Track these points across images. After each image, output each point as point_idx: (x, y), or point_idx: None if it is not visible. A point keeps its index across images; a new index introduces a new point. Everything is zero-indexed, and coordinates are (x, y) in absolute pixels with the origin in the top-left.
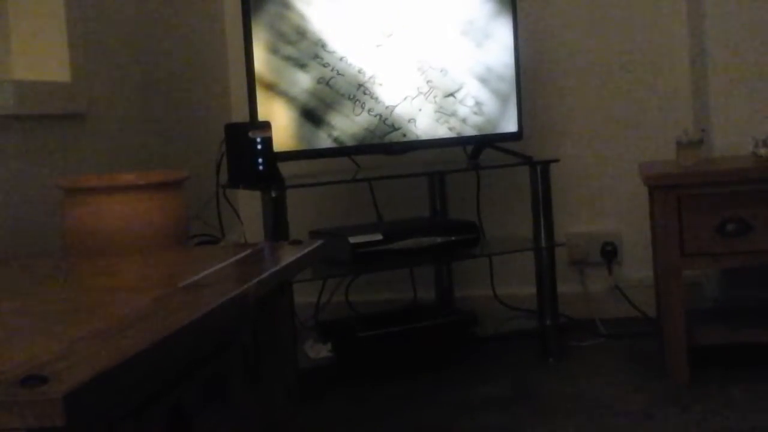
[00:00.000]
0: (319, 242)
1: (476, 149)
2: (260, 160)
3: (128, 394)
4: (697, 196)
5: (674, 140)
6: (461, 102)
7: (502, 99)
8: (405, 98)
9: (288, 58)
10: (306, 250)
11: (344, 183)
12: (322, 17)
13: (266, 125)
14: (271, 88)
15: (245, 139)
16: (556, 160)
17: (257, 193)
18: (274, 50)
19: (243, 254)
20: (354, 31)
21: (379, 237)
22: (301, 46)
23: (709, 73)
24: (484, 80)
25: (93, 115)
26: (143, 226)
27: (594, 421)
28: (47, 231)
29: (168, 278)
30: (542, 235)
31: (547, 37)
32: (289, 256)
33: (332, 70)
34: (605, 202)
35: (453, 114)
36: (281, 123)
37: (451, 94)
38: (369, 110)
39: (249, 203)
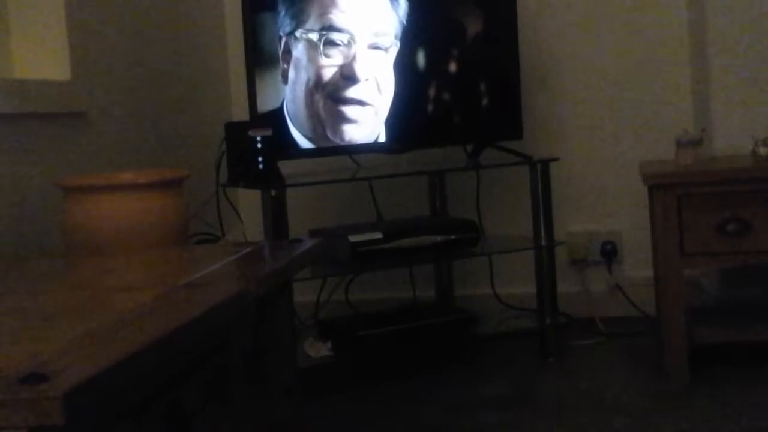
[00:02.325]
0: (318, 241)
1: (476, 148)
2: (260, 159)
3: (128, 393)
4: (697, 196)
5: (674, 140)
6: (461, 101)
7: (502, 98)
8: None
9: None
10: (306, 249)
11: (344, 182)
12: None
13: (266, 124)
14: None
15: (245, 137)
16: (556, 159)
17: (257, 192)
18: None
19: (243, 253)
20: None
21: (379, 236)
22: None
23: (709, 72)
24: (484, 79)
25: (93, 113)
26: (143, 225)
27: (594, 420)
28: (47, 230)
29: (168, 277)
30: (542, 234)
31: (547, 37)
32: (288, 254)
33: None
34: (605, 202)
35: (453, 113)
36: None
37: (451, 93)
38: None
39: (249, 202)
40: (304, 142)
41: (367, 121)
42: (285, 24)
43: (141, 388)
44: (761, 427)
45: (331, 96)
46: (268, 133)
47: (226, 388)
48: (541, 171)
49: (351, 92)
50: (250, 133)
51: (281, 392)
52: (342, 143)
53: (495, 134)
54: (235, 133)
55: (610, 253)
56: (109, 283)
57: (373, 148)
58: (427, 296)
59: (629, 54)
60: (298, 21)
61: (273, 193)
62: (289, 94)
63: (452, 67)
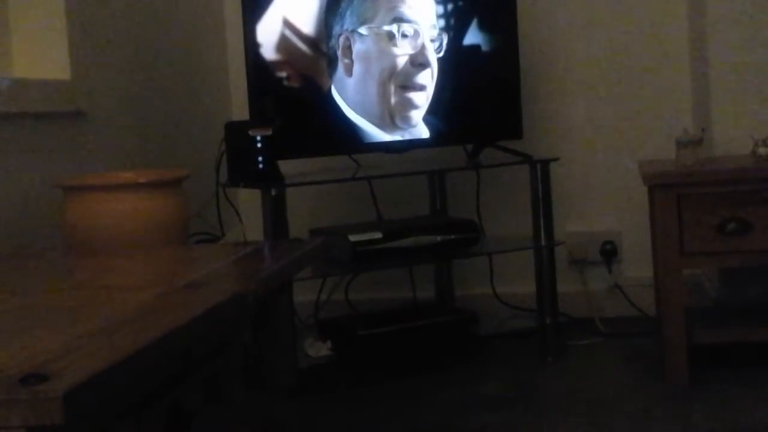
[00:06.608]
0: (319, 240)
1: (476, 148)
2: (260, 159)
3: (128, 393)
4: (697, 196)
5: (674, 140)
6: (461, 100)
7: (502, 98)
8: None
9: None
10: (306, 249)
11: (344, 181)
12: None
13: (266, 123)
14: None
15: (245, 137)
16: (556, 159)
17: (257, 192)
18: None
19: (243, 253)
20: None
21: (379, 235)
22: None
23: (710, 72)
24: (484, 79)
25: (93, 113)
26: (143, 225)
27: (593, 420)
28: (47, 229)
29: (168, 277)
30: (542, 233)
31: (547, 37)
32: (288, 254)
33: None
34: (605, 201)
35: (453, 112)
36: None
37: (451, 92)
38: None
39: (249, 202)
40: (370, 129)
41: (424, 106)
42: (348, 22)
43: (141, 388)
44: (760, 427)
45: (402, 84)
46: (268, 132)
47: (226, 388)
48: (541, 171)
49: (420, 78)
50: (250, 132)
51: (281, 392)
52: (406, 128)
53: (495, 134)
54: (235, 132)
55: (609, 252)
56: (108, 283)
57: (373, 147)
58: (427, 296)
59: (629, 54)
60: (365, 18)
61: (273, 192)
62: (355, 85)
63: (452, 66)
